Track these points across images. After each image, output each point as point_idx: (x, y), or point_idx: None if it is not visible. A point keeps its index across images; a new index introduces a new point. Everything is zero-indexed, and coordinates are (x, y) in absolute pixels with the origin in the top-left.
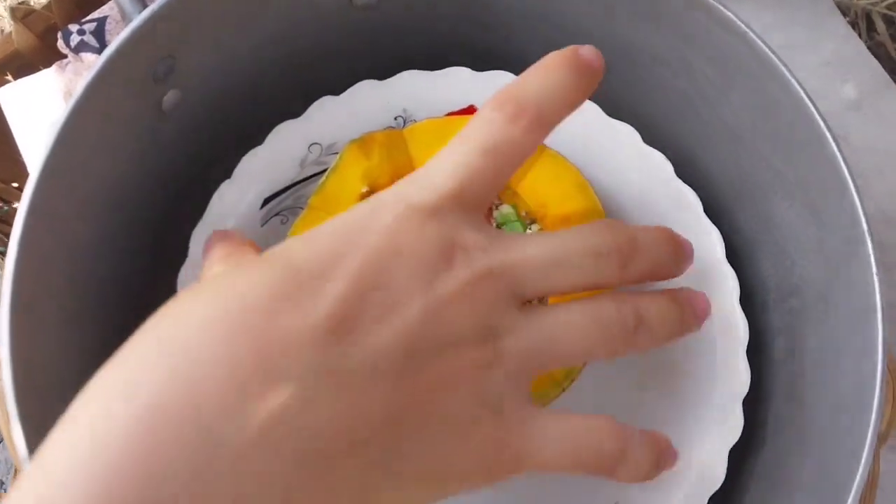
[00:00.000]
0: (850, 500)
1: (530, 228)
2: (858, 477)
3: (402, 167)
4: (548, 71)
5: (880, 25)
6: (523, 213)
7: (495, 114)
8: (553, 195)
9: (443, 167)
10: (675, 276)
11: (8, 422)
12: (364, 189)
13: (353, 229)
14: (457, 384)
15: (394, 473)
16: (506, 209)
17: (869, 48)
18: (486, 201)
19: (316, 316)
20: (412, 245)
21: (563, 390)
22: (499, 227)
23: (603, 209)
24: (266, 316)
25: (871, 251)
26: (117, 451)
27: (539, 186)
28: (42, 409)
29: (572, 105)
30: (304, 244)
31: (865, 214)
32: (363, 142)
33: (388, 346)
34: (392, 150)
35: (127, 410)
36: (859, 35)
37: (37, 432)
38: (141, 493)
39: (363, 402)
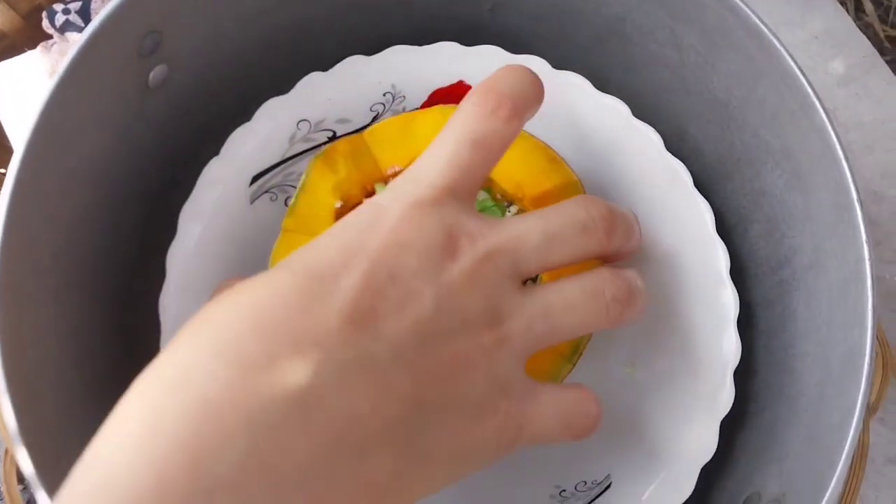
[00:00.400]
0: (838, 470)
1: (509, 211)
2: (847, 447)
3: (369, 174)
4: (514, 71)
5: (868, 6)
6: (498, 197)
7: (477, 107)
8: (527, 174)
9: (435, 163)
10: (634, 249)
11: None
12: (338, 204)
13: (360, 230)
14: (471, 366)
15: (422, 455)
16: (481, 195)
17: (858, 28)
18: (477, 189)
19: (337, 309)
20: (417, 238)
21: (574, 366)
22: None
23: (579, 180)
24: (295, 313)
25: (860, 218)
26: (167, 443)
27: (511, 167)
28: (30, 385)
29: (538, 100)
30: (316, 251)
31: (854, 181)
32: (326, 156)
33: (407, 333)
34: (357, 159)
35: (176, 404)
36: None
37: (25, 408)
38: (189, 483)
39: (390, 385)
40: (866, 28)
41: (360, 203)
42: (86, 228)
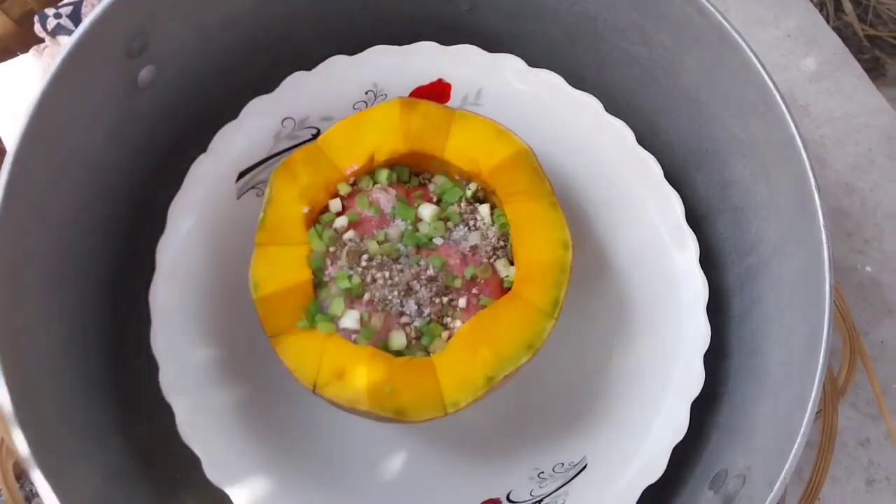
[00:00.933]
0: (796, 444)
1: (469, 188)
2: (806, 421)
3: (330, 176)
4: None
5: (847, 6)
6: (457, 177)
7: None
8: (479, 150)
9: None
10: None
11: None
12: (305, 210)
13: None
14: None
15: None
16: (440, 179)
17: (837, 28)
18: None
19: None
20: None
21: (556, 321)
22: (439, 198)
23: (529, 147)
24: None
25: (818, 204)
26: None
27: (463, 146)
28: (25, 363)
29: None
30: None
31: (813, 170)
32: (286, 167)
33: None
34: (316, 165)
35: None
36: (827, 16)
37: (19, 383)
38: None
39: None
40: (846, 27)
41: (325, 206)
42: (77, 222)
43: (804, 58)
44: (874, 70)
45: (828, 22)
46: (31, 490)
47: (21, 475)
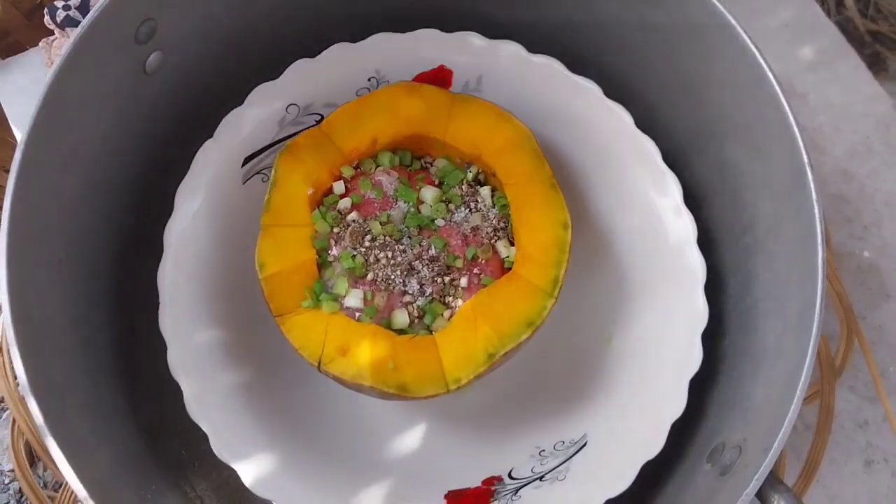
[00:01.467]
0: (790, 413)
1: (470, 171)
2: (799, 389)
3: (334, 159)
4: None
5: (848, 0)
6: (458, 161)
7: None
8: (480, 133)
9: None
10: None
11: (8, 351)
12: (310, 191)
13: None
14: None
15: None
16: (441, 162)
17: (838, 23)
18: None
19: None
20: None
21: (556, 300)
22: (440, 180)
23: (529, 131)
24: None
25: (811, 179)
26: None
27: (465, 130)
28: (36, 339)
29: None
30: None
31: (805, 146)
32: (290, 150)
33: None
34: (320, 148)
35: None
36: (828, 11)
37: (31, 358)
38: None
39: None
40: (846, 22)
41: (329, 188)
42: (88, 203)
43: (802, 47)
44: (876, 65)
45: (829, 16)
46: (42, 478)
47: (33, 461)
